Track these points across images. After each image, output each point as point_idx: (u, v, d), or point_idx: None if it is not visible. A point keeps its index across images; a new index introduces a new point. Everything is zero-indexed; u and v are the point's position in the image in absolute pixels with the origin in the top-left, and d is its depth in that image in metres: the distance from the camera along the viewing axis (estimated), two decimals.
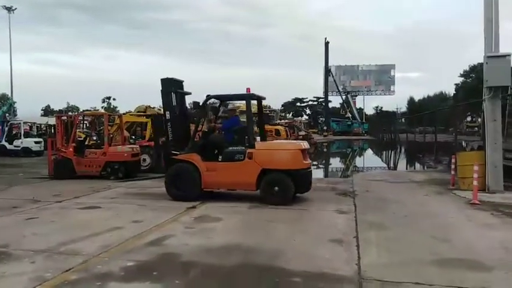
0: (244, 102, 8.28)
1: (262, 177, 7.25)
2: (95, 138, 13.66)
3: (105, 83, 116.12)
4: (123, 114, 17.48)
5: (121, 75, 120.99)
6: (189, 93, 8.72)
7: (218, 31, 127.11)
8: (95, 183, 10.10)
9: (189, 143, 7.80)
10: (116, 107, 74.42)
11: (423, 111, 29.32)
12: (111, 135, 12.87)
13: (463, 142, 14.22)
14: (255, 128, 8.55)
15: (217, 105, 8.75)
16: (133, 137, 15.30)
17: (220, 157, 7.53)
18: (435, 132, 17.34)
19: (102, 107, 76.27)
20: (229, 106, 8.92)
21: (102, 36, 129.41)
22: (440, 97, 64.81)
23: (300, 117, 73.97)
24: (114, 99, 79.49)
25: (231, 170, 7.35)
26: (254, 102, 8.57)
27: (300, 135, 33.03)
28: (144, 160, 12.82)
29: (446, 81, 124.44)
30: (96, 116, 17.24)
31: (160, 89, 8.14)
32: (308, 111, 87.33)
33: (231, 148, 7.49)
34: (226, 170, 7.38)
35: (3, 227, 5.62)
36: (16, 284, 3.58)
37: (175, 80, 8.36)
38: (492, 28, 8.48)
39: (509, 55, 8.66)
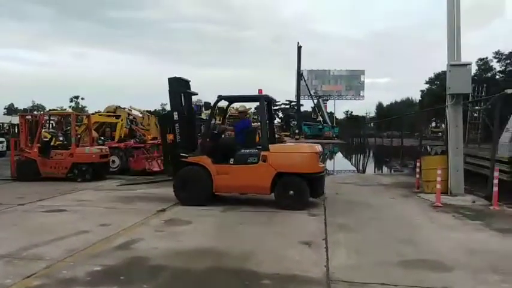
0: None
1: (276, 180, 7.05)
2: (61, 138, 13.23)
3: (73, 81, 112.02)
4: (92, 114, 17.00)
5: (90, 74, 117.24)
6: (196, 94, 8.42)
7: (191, 31, 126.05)
8: (60, 185, 9.77)
9: (198, 145, 7.53)
10: (85, 107, 72.16)
11: (391, 116, 30.26)
12: (79, 136, 12.49)
13: (428, 147, 14.75)
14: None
15: (225, 106, 8.50)
16: (102, 137, 14.91)
17: (231, 160, 7.26)
18: (402, 136, 17.94)
19: (69, 107, 73.70)
20: (240, 108, 8.57)
21: (70, 33, 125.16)
22: (407, 103, 67.09)
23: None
24: (82, 98, 76.97)
25: (244, 173, 7.11)
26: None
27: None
28: (113, 162, 12.51)
29: (413, 88, 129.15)
30: (63, 115, 16.64)
31: (168, 88, 7.81)
32: (280, 115, 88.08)
33: (243, 151, 7.25)
34: (239, 173, 7.12)
35: None
36: None
37: (183, 79, 8.06)
38: (455, 38, 8.89)
39: (470, 64, 9.11)
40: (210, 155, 7.36)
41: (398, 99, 73.80)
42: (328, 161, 28.69)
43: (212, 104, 7.71)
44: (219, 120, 8.92)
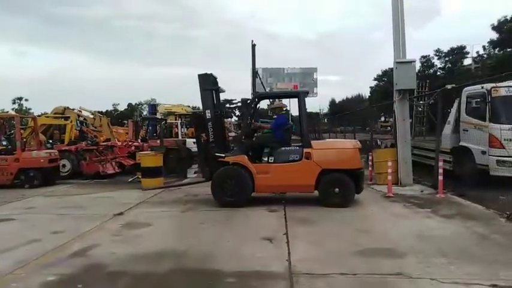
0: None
1: (321, 178, 6.90)
2: (4, 143, 12.35)
3: (14, 82, 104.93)
4: (38, 116, 16.06)
5: (34, 74, 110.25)
6: (224, 91, 8.05)
7: (140, 29, 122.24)
8: (6, 192, 9.17)
9: (236, 144, 7.25)
10: (30, 109, 67.75)
11: (343, 112, 31.32)
12: (25, 140, 11.76)
13: (378, 140, 15.48)
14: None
15: (253, 103, 8.07)
16: (51, 141, 14.13)
17: (271, 158, 7.07)
18: (354, 131, 18.67)
19: (12, 109, 68.88)
20: (276, 104, 8.23)
21: (10, 30, 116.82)
22: (358, 99, 69.66)
23: (229, 119, 74.32)
24: (26, 100, 72.20)
25: (286, 172, 6.90)
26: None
27: (230, 136, 33.17)
28: (64, 166, 11.90)
29: (362, 84, 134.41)
30: (5, 118, 15.55)
31: (199, 86, 7.49)
32: (238, 113, 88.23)
33: (283, 148, 7.07)
34: (281, 172, 6.92)
35: None
36: None
37: (213, 76, 7.71)
38: (399, 36, 9.40)
39: (414, 61, 9.67)
40: (247, 154, 7.14)
41: (350, 96, 76.46)
42: None
43: (249, 101, 7.44)
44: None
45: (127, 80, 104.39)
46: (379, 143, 14.12)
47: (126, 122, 29.15)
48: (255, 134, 7.78)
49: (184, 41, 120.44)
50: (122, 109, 72.78)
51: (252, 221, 6.21)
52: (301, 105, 7.31)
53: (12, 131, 13.20)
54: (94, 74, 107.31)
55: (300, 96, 7.42)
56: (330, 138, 24.59)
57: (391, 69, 10.33)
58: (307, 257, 4.35)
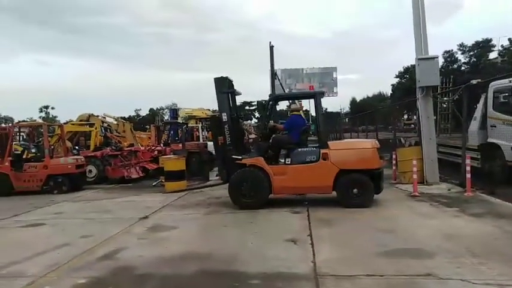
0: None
1: (339, 178, 6.83)
2: (33, 150, 12.81)
3: (41, 91, 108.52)
4: (64, 123, 16.56)
5: (58, 83, 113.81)
6: (240, 94, 8.15)
7: (157, 36, 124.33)
8: (36, 198, 9.48)
9: (253, 146, 7.23)
10: (56, 116, 70.04)
11: (364, 110, 30.91)
12: (52, 147, 12.13)
13: (402, 139, 15.19)
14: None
15: (269, 105, 8.08)
16: (77, 147, 14.54)
17: (288, 159, 7.05)
18: (376, 130, 18.36)
19: (39, 117, 71.36)
20: (293, 106, 8.24)
21: (32, 41, 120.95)
22: (379, 97, 68.55)
23: (249, 121, 74.54)
24: (52, 108, 74.70)
25: (303, 173, 6.85)
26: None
27: (251, 138, 33.32)
28: (90, 171, 12.22)
29: (383, 82, 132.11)
30: (33, 126, 16.11)
31: (215, 89, 7.59)
32: (257, 115, 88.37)
33: (300, 149, 7.04)
34: (298, 173, 6.88)
35: None
36: None
37: (229, 79, 7.81)
38: (421, 32, 9.21)
39: (437, 57, 9.46)
40: (264, 156, 7.15)
41: (370, 94, 75.33)
42: None
43: (265, 103, 7.43)
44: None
45: (148, 86, 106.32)
46: (402, 141, 13.85)
47: (148, 127, 29.66)
48: (273, 135, 7.76)
49: (201, 45, 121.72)
50: (144, 114, 74.22)
51: (275, 222, 6.21)
52: (317, 106, 7.28)
53: (41, 139, 13.69)
54: (115, 80, 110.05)
55: (316, 96, 7.38)
56: (351, 137, 24.32)
57: (413, 66, 10.16)
58: (332, 258, 4.32)
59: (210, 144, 20.48)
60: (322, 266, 4.05)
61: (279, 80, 72.25)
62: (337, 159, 6.84)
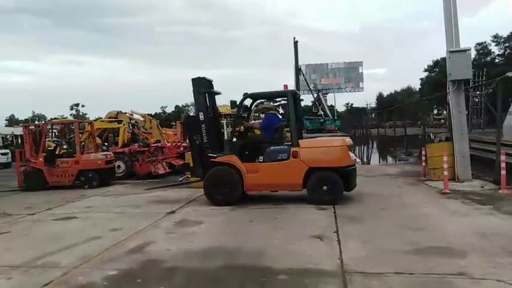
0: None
1: (309, 176, 6.94)
2: (65, 147, 13.25)
3: (71, 89, 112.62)
4: (94, 120, 17.05)
5: (88, 81, 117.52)
6: (219, 93, 8.34)
7: (184, 34, 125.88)
8: (68, 193, 9.81)
9: (226, 144, 7.45)
10: (85, 114, 72.36)
11: (392, 106, 30.20)
12: (83, 143, 12.53)
13: (431, 134, 14.77)
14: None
15: (249, 104, 8.26)
16: (106, 143, 14.95)
17: (261, 157, 7.17)
18: (404, 125, 17.91)
19: (70, 115, 73.91)
20: (265, 104, 8.41)
21: (64, 42, 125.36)
22: (408, 92, 66.93)
23: None
24: (82, 105, 77.18)
25: (274, 171, 7.00)
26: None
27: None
28: (119, 167, 12.55)
29: (411, 76, 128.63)
30: (65, 124, 16.67)
31: (192, 89, 7.74)
32: (281, 111, 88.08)
33: (273, 147, 7.15)
34: (270, 171, 7.03)
35: None
36: None
37: (207, 79, 7.98)
38: (452, 24, 8.88)
39: (469, 49, 9.11)
40: (238, 154, 7.27)
41: (398, 89, 73.62)
42: None
43: (238, 102, 7.62)
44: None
45: (173, 83, 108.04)
46: (432, 137, 13.46)
47: (174, 123, 30.09)
48: (248, 134, 7.85)
49: (225, 42, 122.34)
50: (170, 111, 75.44)
51: (301, 218, 6.17)
52: (289, 105, 7.34)
53: (72, 136, 14.14)
54: (142, 78, 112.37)
55: (288, 96, 7.47)
56: (378, 134, 23.84)
57: (444, 59, 9.83)
58: (359, 256, 4.25)
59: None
60: (350, 263, 3.99)
61: (303, 75, 71.71)
62: (307, 157, 6.93)
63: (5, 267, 4.31)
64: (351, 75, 76.59)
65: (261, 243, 4.85)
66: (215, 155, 7.42)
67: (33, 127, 13.33)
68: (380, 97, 74.07)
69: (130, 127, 16.04)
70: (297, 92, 7.86)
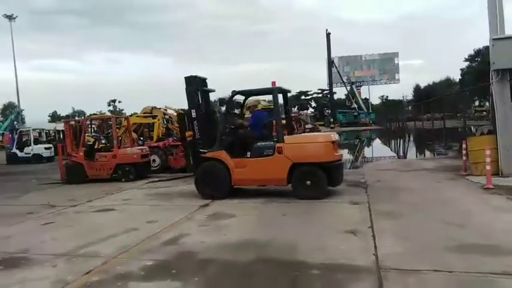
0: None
1: (293, 171, 7.07)
2: (103, 141, 13.76)
3: (109, 86, 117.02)
4: (130, 116, 17.57)
5: (124, 78, 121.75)
6: (213, 91, 8.56)
7: (214, 29, 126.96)
8: (106, 186, 10.19)
9: (216, 141, 7.66)
10: (122, 110, 74.88)
11: (430, 98, 29.07)
12: (120, 138, 12.95)
13: (473, 127, 14.09)
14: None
15: (242, 101, 8.59)
16: (142, 138, 15.38)
17: (249, 153, 7.39)
18: (443, 118, 17.19)
19: (108, 110, 76.73)
20: (250, 102, 8.61)
21: (102, 40, 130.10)
22: (447, 83, 64.20)
23: (305, 111, 73.80)
24: (119, 101, 79.94)
25: (260, 166, 7.19)
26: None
27: (307, 128, 33.04)
28: (154, 161, 12.89)
29: (450, 67, 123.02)
30: (103, 119, 17.31)
31: (185, 87, 7.99)
32: (313, 104, 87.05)
33: (259, 143, 7.34)
34: (256, 166, 7.23)
35: (22, 233, 5.71)
36: None
37: (199, 77, 8.24)
38: (496, 10, 8.39)
39: None
40: (227, 150, 7.49)
41: (437, 80, 70.74)
42: (366, 148, 28.14)
43: (227, 99, 7.88)
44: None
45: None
46: (473, 130, 12.84)
47: None
48: (239, 131, 7.99)
49: (258, 37, 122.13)
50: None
51: (335, 213, 6.08)
52: (275, 102, 7.56)
53: (110, 131, 14.67)
54: (176, 74, 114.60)
55: (274, 92, 7.58)
56: (415, 126, 23.05)
57: (486, 48, 9.34)
58: (395, 252, 4.13)
59: None
60: (385, 259, 3.89)
61: (336, 68, 70.40)
62: (291, 153, 7.05)
63: (51, 255, 4.55)
64: (386, 66, 74.43)
65: (293, 237, 4.83)
66: (205, 151, 7.67)
67: (73, 123, 13.91)
68: (417, 89, 71.47)
69: (165, 122, 16.39)
70: (284, 88, 8.04)
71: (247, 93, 8.30)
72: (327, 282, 3.53)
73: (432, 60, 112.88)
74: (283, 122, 8.08)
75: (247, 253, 4.33)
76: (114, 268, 4.05)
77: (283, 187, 7.41)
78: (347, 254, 4.11)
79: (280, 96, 8.16)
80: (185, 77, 8.04)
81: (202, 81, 8.33)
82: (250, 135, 7.74)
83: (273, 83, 7.80)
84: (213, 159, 7.54)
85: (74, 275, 3.90)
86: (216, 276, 3.80)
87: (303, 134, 8.33)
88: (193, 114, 7.90)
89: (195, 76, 8.11)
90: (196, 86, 8.04)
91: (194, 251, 4.49)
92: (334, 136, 7.59)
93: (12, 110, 60.12)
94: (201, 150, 7.78)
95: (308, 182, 7.00)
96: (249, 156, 7.38)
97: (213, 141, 7.74)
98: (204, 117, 8.01)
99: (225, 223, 5.77)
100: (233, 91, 7.75)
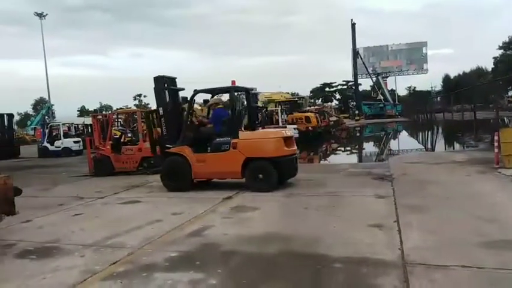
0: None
1: (247, 165, 7.53)
2: (129, 135, 14.05)
3: (135, 80, 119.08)
4: (154, 110, 17.84)
5: (149, 72, 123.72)
6: (182, 89, 9.08)
7: (239, 22, 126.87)
8: (132, 178, 10.42)
9: (180, 137, 8.13)
10: (148, 104, 76.14)
11: (460, 88, 28.05)
12: (145, 131, 13.18)
13: (505, 118, 13.53)
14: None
15: (192, 98, 8.86)
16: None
17: (209, 148, 7.88)
18: (474, 109, 16.57)
19: (134, 105, 78.33)
20: (211, 100, 8.93)
21: (128, 35, 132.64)
22: (478, 72, 61.73)
23: (329, 103, 72.87)
24: (145, 96, 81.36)
25: (218, 160, 7.68)
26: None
27: (331, 120, 32.66)
28: None
29: (482, 55, 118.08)
30: (129, 113, 17.69)
31: (153, 86, 8.49)
32: (338, 96, 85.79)
33: (218, 139, 7.80)
34: (214, 161, 7.72)
35: (53, 224, 5.92)
36: (69, 277, 3.76)
37: (168, 77, 8.76)
38: None
39: None
40: (190, 145, 7.98)
41: (467, 69, 68.13)
42: (392, 141, 27.57)
43: (189, 98, 8.45)
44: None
45: (229, 72, 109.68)
46: (506, 121, 12.33)
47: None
48: (200, 128, 8.44)
49: (281, 29, 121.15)
50: (225, 99, 76.80)
51: (359, 207, 5.99)
52: (232, 100, 8.15)
53: (135, 124, 14.95)
54: (200, 68, 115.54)
55: (231, 91, 8.17)
56: (444, 118, 22.34)
57: None
58: (422, 246, 4.03)
59: (290, 127, 20.54)
60: (411, 254, 3.80)
61: (361, 58, 68.91)
62: (244, 148, 7.53)
63: (79, 245, 4.70)
64: (414, 56, 72.18)
65: (316, 230, 4.79)
66: (171, 146, 8.17)
67: (100, 117, 14.27)
68: (446, 79, 69.17)
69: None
70: (241, 87, 8.64)
71: (207, 92, 8.79)
72: (350, 276, 3.48)
73: (462, 49, 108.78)
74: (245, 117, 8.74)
75: (270, 246, 4.34)
76: (139, 259, 4.14)
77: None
78: (371, 248, 4.04)
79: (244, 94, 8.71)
80: (154, 77, 8.48)
81: (171, 80, 8.84)
82: (210, 131, 8.17)
83: (233, 82, 8.28)
84: (176, 154, 8.03)
85: (102, 264, 4.01)
86: (239, 269, 3.82)
87: (258, 130, 8.58)
88: (161, 112, 8.44)
89: (163, 76, 8.57)
90: (164, 85, 8.52)
91: (217, 243, 4.53)
92: (287, 132, 8.09)
93: (43, 105, 62.37)
94: (167, 145, 8.30)
95: (260, 176, 7.45)
96: (209, 151, 7.85)
97: (179, 137, 8.16)
98: (171, 115, 8.48)
99: (248, 216, 5.79)
100: (195, 90, 8.27)
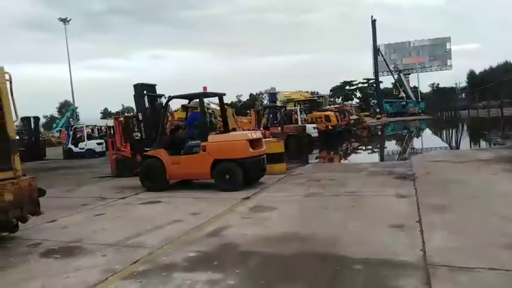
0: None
1: (215, 166, 7.93)
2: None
3: (155, 82, 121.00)
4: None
5: (168, 74, 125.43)
6: (162, 95, 9.71)
7: (256, 22, 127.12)
8: None
9: (156, 140, 8.57)
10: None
11: (486, 84, 27.16)
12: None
13: None
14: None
15: (167, 104, 9.38)
16: None
17: (183, 151, 8.29)
18: (501, 106, 16.00)
19: None
20: (192, 102, 9.59)
21: (147, 38, 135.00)
22: (505, 67, 59.66)
23: (350, 101, 72.01)
24: (164, 97, 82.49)
25: (190, 162, 8.11)
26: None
27: (352, 119, 32.29)
28: None
29: (510, 50, 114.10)
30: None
31: (133, 93, 9.05)
32: (358, 94, 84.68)
33: (190, 142, 8.24)
34: (187, 162, 8.15)
35: (76, 224, 6.06)
36: (91, 276, 3.84)
37: (147, 84, 9.38)
38: None
39: None
40: (166, 148, 8.45)
41: (494, 65, 65.95)
42: (415, 139, 26.98)
43: (164, 103, 9.01)
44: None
45: (248, 72, 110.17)
46: None
47: (248, 111, 30.71)
48: (176, 132, 9.12)
49: (299, 27, 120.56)
50: (245, 100, 77.10)
51: (380, 207, 5.88)
52: (201, 104, 8.58)
53: None
54: (218, 68, 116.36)
55: (200, 97, 8.59)
56: (469, 115, 21.68)
57: None
58: (445, 248, 3.91)
59: (309, 126, 20.42)
60: (434, 255, 3.69)
61: (382, 55, 67.85)
62: (212, 150, 7.96)
63: (101, 244, 4.80)
64: (437, 52, 70.41)
65: (335, 230, 4.73)
66: (149, 149, 8.70)
67: (122, 119, 14.52)
68: (471, 75, 67.21)
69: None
70: (211, 93, 9.18)
71: (181, 98, 9.34)
72: (370, 277, 3.41)
73: (489, 44, 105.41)
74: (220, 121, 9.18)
75: (288, 246, 4.31)
76: (159, 258, 4.19)
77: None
78: (392, 249, 3.95)
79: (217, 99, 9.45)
80: (134, 85, 9.05)
81: (151, 87, 9.43)
82: (183, 135, 8.68)
83: (204, 88, 8.86)
84: (153, 157, 8.50)
85: (122, 264, 4.07)
86: (257, 269, 3.81)
87: (226, 133, 8.76)
88: (140, 117, 9.13)
89: (142, 84, 9.18)
90: (143, 92, 9.09)
91: (236, 243, 4.53)
92: (253, 134, 8.48)
93: (68, 108, 64.15)
94: (145, 149, 8.82)
95: (227, 176, 7.84)
96: (182, 154, 8.26)
97: (158, 139, 8.61)
98: (149, 120, 9.07)
99: (266, 216, 5.77)
100: (169, 96, 8.81)
